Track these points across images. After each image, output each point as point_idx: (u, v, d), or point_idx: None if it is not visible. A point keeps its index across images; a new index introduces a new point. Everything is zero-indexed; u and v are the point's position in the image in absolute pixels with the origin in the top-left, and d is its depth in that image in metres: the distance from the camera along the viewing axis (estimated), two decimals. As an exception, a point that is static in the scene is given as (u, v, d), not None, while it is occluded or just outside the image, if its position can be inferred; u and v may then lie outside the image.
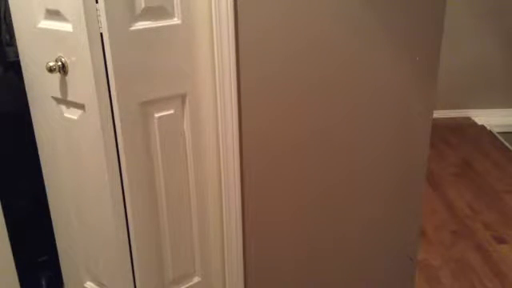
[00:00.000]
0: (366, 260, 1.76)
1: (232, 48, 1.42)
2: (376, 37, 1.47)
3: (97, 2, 1.28)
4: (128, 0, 1.31)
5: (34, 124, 1.62)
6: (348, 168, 1.62)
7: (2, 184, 1.70)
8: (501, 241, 2.35)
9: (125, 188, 1.48)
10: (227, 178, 1.57)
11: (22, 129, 1.66)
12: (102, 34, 1.32)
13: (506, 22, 3.54)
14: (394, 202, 1.69)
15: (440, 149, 3.33)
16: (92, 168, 1.49)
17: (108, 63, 1.34)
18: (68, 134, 1.51)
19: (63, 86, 1.44)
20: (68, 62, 1.39)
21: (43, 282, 1.86)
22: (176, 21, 1.41)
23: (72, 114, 1.47)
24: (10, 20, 1.52)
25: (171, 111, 1.50)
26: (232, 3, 1.38)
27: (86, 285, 1.74)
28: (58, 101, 1.49)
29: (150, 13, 1.36)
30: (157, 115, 1.47)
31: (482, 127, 3.65)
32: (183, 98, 1.50)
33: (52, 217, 1.73)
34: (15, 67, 1.60)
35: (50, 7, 1.36)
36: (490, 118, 3.71)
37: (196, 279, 1.75)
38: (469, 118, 3.77)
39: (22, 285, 1.63)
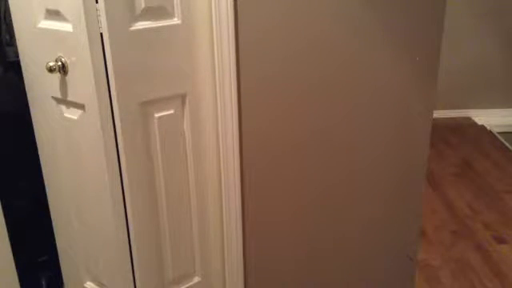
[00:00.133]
0: (365, 260, 1.76)
1: (232, 48, 1.42)
2: (376, 37, 1.47)
3: (97, 2, 1.28)
4: (128, 0, 1.31)
5: (33, 124, 1.62)
6: (348, 168, 1.62)
7: (2, 184, 1.70)
8: (501, 241, 2.35)
9: (125, 188, 1.48)
10: (227, 178, 1.57)
11: (21, 129, 1.66)
12: (101, 34, 1.32)
13: (506, 22, 3.54)
14: (393, 202, 1.69)
15: (440, 149, 3.33)
16: (92, 168, 1.49)
17: (108, 63, 1.34)
18: (68, 134, 1.51)
19: (63, 85, 1.44)
20: (68, 61, 1.39)
21: (43, 282, 1.86)
22: (176, 21, 1.41)
23: (72, 114, 1.47)
24: (10, 20, 1.52)
25: (171, 111, 1.50)
26: (232, 3, 1.38)
27: (85, 285, 1.74)
28: (58, 101, 1.49)
29: (150, 13, 1.36)
30: (157, 115, 1.47)
31: (482, 127, 3.65)
32: (183, 98, 1.50)
33: (52, 217, 1.73)
34: (15, 67, 1.60)
35: (50, 7, 1.36)
36: (490, 118, 3.71)
37: (196, 279, 1.75)
38: (469, 118, 3.77)
39: (22, 285, 1.63)
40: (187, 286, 1.74)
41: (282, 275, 1.74)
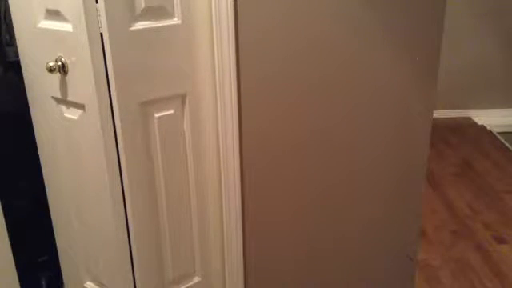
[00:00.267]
0: (365, 260, 1.76)
1: (232, 48, 1.42)
2: (376, 37, 1.47)
3: (97, 2, 1.28)
4: (128, 0, 1.31)
5: (33, 124, 1.62)
6: (348, 168, 1.62)
7: (2, 184, 1.70)
8: (501, 241, 2.35)
9: (125, 188, 1.48)
10: (227, 178, 1.57)
11: (22, 129, 1.66)
12: (101, 34, 1.32)
13: (506, 22, 3.55)
14: (393, 202, 1.69)
15: (440, 149, 3.33)
16: (92, 168, 1.49)
17: (108, 63, 1.34)
18: (68, 134, 1.51)
19: (63, 85, 1.44)
20: (68, 61, 1.39)
21: (43, 282, 1.86)
22: (176, 21, 1.41)
23: (72, 114, 1.47)
24: (10, 20, 1.52)
25: (171, 111, 1.50)
26: (232, 3, 1.38)
27: (85, 285, 1.74)
28: (58, 101, 1.49)
29: (150, 13, 1.36)
30: (157, 115, 1.47)
31: (482, 127, 3.65)
32: (183, 98, 1.50)
33: (52, 217, 1.73)
34: (15, 67, 1.60)
35: (50, 7, 1.36)
36: (490, 118, 3.71)
37: (196, 279, 1.75)
38: (469, 118, 3.77)
39: (22, 285, 1.63)
40: (187, 286, 1.74)
41: (282, 275, 1.74)
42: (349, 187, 1.64)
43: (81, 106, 1.43)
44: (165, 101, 1.47)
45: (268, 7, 1.40)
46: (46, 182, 1.68)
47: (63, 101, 1.47)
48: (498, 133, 3.54)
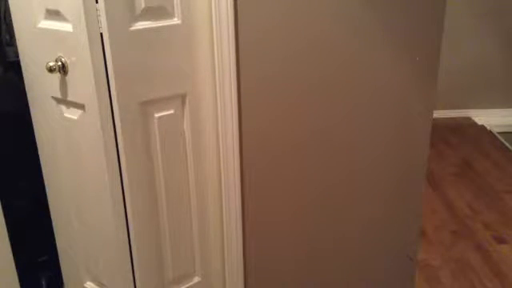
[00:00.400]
0: (365, 260, 1.76)
1: (232, 48, 1.42)
2: (376, 37, 1.47)
3: (97, 2, 1.28)
4: (128, 0, 1.31)
5: (33, 124, 1.62)
6: (348, 168, 1.62)
7: (2, 184, 1.70)
8: (501, 241, 2.35)
9: (125, 188, 1.48)
10: (227, 178, 1.57)
11: (22, 129, 1.66)
12: (101, 34, 1.32)
13: (506, 22, 3.54)
14: (394, 202, 1.69)
15: (440, 149, 3.33)
16: (92, 168, 1.49)
17: (108, 63, 1.34)
18: (68, 134, 1.51)
19: (63, 85, 1.44)
20: (68, 61, 1.39)
21: (43, 282, 1.86)
22: (176, 21, 1.41)
23: (72, 114, 1.47)
24: (10, 20, 1.52)
25: (171, 111, 1.50)
26: (232, 3, 1.38)
27: (85, 285, 1.74)
28: (58, 101, 1.49)
29: (150, 13, 1.36)
30: (157, 115, 1.47)
31: (482, 127, 3.65)
32: (183, 98, 1.50)
33: (52, 217, 1.73)
34: (15, 67, 1.60)
35: (50, 7, 1.36)
36: (490, 118, 3.71)
37: (196, 279, 1.75)
38: (469, 118, 3.77)
39: (22, 285, 1.63)
40: (187, 286, 1.74)
41: (282, 275, 1.74)
42: (349, 187, 1.64)
43: (81, 106, 1.43)
44: (165, 101, 1.47)
45: (268, 7, 1.40)
46: (46, 182, 1.68)
47: (63, 101, 1.47)
48: (498, 133, 3.54)
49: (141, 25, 1.36)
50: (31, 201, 1.78)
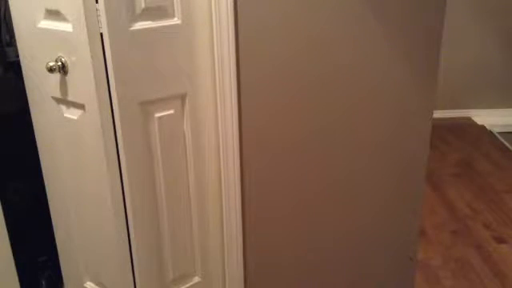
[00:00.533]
0: (365, 259, 1.76)
1: (232, 48, 1.42)
2: (376, 36, 1.47)
3: (97, 2, 1.28)
4: (128, 0, 1.31)
5: (33, 124, 1.62)
6: (348, 167, 1.62)
7: (2, 184, 1.70)
8: (501, 241, 2.35)
9: (125, 188, 1.48)
10: (227, 178, 1.57)
11: (22, 129, 1.66)
12: (101, 34, 1.32)
13: (506, 22, 3.55)
14: (394, 202, 1.69)
15: (440, 149, 3.33)
16: (92, 168, 1.49)
17: (108, 63, 1.34)
18: (68, 134, 1.51)
19: (63, 86, 1.44)
20: (68, 61, 1.39)
21: (43, 282, 1.86)
22: (176, 21, 1.41)
23: (72, 114, 1.47)
24: (10, 20, 1.52)
25: (171, 111, 1.50)
26: (232, 3, 1.38)
27: (85, 285, 1.74)
28: (58, 101, 1.49)
29: (149, 13, 1.36)
30: (157, 115, 1.47)
31: (482, 127, 3.65)
32: (183, 98, 1.50)
33: (52, 217, 1.73)
34: (15, 67, 1.60)
35: (50, 7, 1.36)
36: (490, 118, 3.71)
37: (196, 279, 1.75)
38: (469, 118, 3.77)
39: (21, 285, 1.63)
40: (187, 286, 1.74)
41: (282, 277, 1.74)
42: (348, 187, 1.64)
43: (81, 106, 1.43)
44: (165, 101, 1.47)
45: (268, 7, 1.40)
46: (45, 182, 1.68)
47: (63, 101, 1.47)
48: (498, 133, 3.54)
49: (141, 25, 1.36)
50: (31, 201, 1.78)
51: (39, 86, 1.51)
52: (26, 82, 1.56)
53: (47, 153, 1.62)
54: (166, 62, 1.42)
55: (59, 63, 1.39)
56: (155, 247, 1.61)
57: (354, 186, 1.64)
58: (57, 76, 1.43)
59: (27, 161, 1.69)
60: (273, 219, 1.65)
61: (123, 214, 1.52)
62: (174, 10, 1.40)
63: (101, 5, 1.28)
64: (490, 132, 3.58)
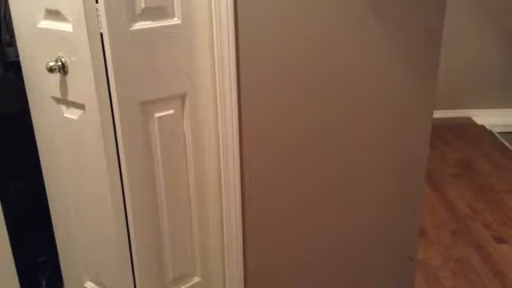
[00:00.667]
0: (365, 259, 1.76)
1: (232, 48, 1.42)
2: (376, 36, 1.47)
3: (97, 2, 1.28)
4: (128, 0, 1.31)
5: (33, 124, 1.62)
6: (348, 167, 1.62)
7: (3, 184, 1.70)
8: (501, 241, 2.35)
9: (125, 188, 1.48)
10: (227, 178, 1.57)
11: (22, 129, 1.66)
12: (101, 34, 1.32)
13: (506, 21, 3.55)
14: (394, 202, 1.69)
15: (440, 149, 3.33)
16: (92, 168, 1.49)
17: (108, 63, 1.34)
18: (68, 134, 1.51)
19: (63, 86, 1.44)
20: (68, 61, 1.39)
21: (43, 282, 1.86)
22: (176, 21, 1.41)
23: (72, 114, 1.47)
24: (10, 20, 1.52)
25: (171, 111, 1.50)
26: (232, 3, 1.38)
27: (85, 285, 1.74)
28: (58, 101, 1.49)
29: (149, 13, 1.36)
30: (157, 115, 1.47)
31: (482, 127, 3.65)
32: (183, 98, 1.50)
33: (52, 217, 1.73)
34: (15, 67, 1.60)
35: (50, 7, 1.36)
36: (490, 118, 3.71)
37: (196, 279, 1.75)
38: (469, 118, 3.77)
39: (21, 285, 1.63)
40: (187, 286, 1.74)
41: (282, 277, 1.74)
42: (348, 186, 1.64)
43: (81, 106, 1.43)
44: (165, 101, 1.47)
45: (268, 7, 1.40)
46: (45, 182, 1.68)
47: (63, 101, 1.47)
48: (498, 133, 3.54)
49: (141, 25, 1.36)
50: (31, 201, 1.78)
51: (39, 86, 1.51)
52: (26, 82, 1.56)
53: (47, 153, 1.62)
54: (166, 62, 1.42)
55: (59, 63, 1.39)
56: (155, 247, 1.61)
57: (353, 186, 1.64)
58: (57, 76, 1.43)
59: (27, 161, 1.69)
60: (273, 219, 1.65)
61: (123, 214, 1.52)
62: (174, 10, 1.40)
63: (101, 5, 1.28)
64: (490, 132, 3.58)
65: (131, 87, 1.39)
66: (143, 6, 1.34)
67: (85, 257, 1.69)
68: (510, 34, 3.58)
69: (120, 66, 1.35)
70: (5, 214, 1.51)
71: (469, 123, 3.72)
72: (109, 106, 1.39)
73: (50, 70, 1.37)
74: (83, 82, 1.37)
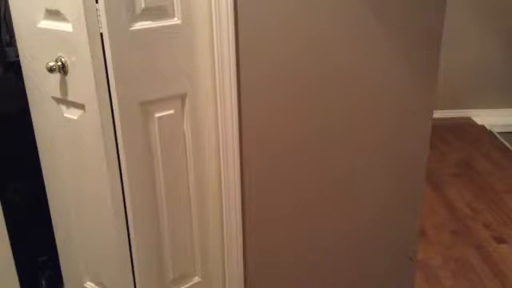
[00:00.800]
0: (365, 259, 1.76)
1: (232, 48, 1.42)
2: (376, 36, 1.47)
3: (97, 2, 1.28)
4: (128, 0, 1.31)
5: (33, 124, 1.62)
6: (348, 167, 1.62)
7: (2, 184, 1.70)
8: (501, 241, 2.35)
9: (125, 188, 1.48)
10: (227, 178, 1.57)
11: (22, 129, 1.66)
12: (101, 34, 1.32)
13: (506, 21, 3.55)
14: (394, 202, 1.69)
15: (440, 149, 3.33)
16: (92, 168, 1.49)
17: (108, 63, 1.34)
18: (68, 134, 1.51)
19: (63, 86, 1.44)
20: (68, 61, 1.39)
21: (43, 282, 1.86)
22: (176, 21, 1.41)
23: (72, 114, 1.47)
24: (10, 20, 1.52)
25: (171, 111, 1.50)
26: (232, 3, 1.38)
27: (85, 285, 1.74)
28: (58, 101, 1.49)
29: (149, 13, 1.36)
30: (157, 115, 1.47)
31: (482, 127, 3.65)
32: (183, 98, 1.51)
33: (52, 217, 1.73)
34: (15, 67, 1.60)
35: (50, 7, 1.36)
36: (490, 118, 3.71)
37: (196, 279, 1.75)
38: (469, 118, 3.77)
39: (21, 285, 1.63)
40: (187, 286, 1.74)
41: (282, 277, 1.74)
42: (348, 186, 1.64)
43: (81, 106, 1.43)
44: (165, 101, 1.47)
45: (268, 7, 1.40)
46: (45, 182, 1.68)
47: (63, 101, 1.47)
48: (498, 133, 3.54)
49: (141, 25, 1.36)
50: (31, 201, 1.78)
51: (39, 86, 1.51)
52: (26, 82, 1.56)
53: (47, 153, 1.62)
54: (166, 62, 1.42)
55: (59, 63, 1.39)
56: (155, 247, 1.61)
57: (353, 186, 1.64)
58: (57, 76, 1.43)
59: (27, 161, 1.69)
60: (273, 219, 1.65)
61: (123, 214, 1.52)
62: (174, 10, 1.40)
63: (101, 5, 1.28)
64: (490, 132, 3.58)
65: (131, 87, 1.39)
66: (143, 6, 1.34)
67: (85, 257, 1.69)
68: (510, 34, 3.58)
69: (120, 66, 1.35)
70: (5, 214, 1.51)
71: (469, 123, 3.72)
72: (109, 106, 1.39)
73: (50, 70, 1.37)
74: (83, 82, 1.37)
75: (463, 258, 2.23)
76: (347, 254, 1.74)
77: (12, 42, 1.59)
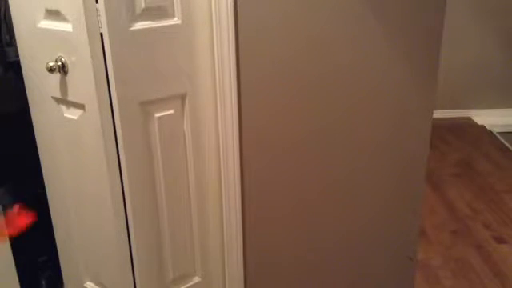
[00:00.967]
0: (365, 259, 1.76)
1: (232, 48, 1.42)
2: (376, 36, 1.47)
3: (97, 2, 1.28)
4: (128, 0, 1.31)
5: (33, 124, 1.62)
6: (347, 167, 1.62)
7: (2, 184, 1.70)
8: (501, 241, 2.35)
9: (125, 188, 1.48)
10: (227, 178, 1.57)
11: (22, 129, 1.66)
12: (101, 34, 1.32)
13: (506, 21, 3.55)
14: (394, 202, 1.69)
15: (440, 149, 3.33)
16: (92, 168, 1.49)
17: (108, 63, 1.34)
18: (68, 134, 1.51)
19: (63, 86, 1.44)
20: (68, 61, 1.39)
21: (43, 282, 1.86)
22: (176, 21, 1.41)
23: (72, 114, 1.47)
24: (10, 20, 1.52)
25: (171, 111, 1.50)
26: (232, 3, 1.38)
27: (85, 285, 1.74)
28: (58, 101, 1.49)
29: (149, 13, 1.36)
30: (157, 115, 1.47)
31: (482, 127, 3.66)
32: (183, 98, 1.51)
33: (52, 217, 1.73)
34: (15, 67, 1.60)
35: (50, 7, 1.36)
36: (490, 118, 3.71)
37: (196, 279, 1.75)
38: (469, 118, 3.77)
39: (21, 285, 1.63)
40: (187, 286, 1.74)
41: (282, 277, 1.74)
42: (348, 186, 1.64)
43: (81, 106, 1.43)
44: (165, 101, 1.47)
45: (268, 7, 1.40)
46: (45, 182, 1.68)
47: (63, 101, 1.47)
48: (498, 133, 3.54)
49: (141, 25, 1.36)
50: (31, 201, 1.78)
51: (39, 86, 1.51)
52: (26, 82, 1.56)
53: (47, 153, 1.62)
54: (166, 62, 1.42)
55: (59, 63, 1.39)
56: (155, 247, 1.61)
57: (353, 186, 1.64)
58: (57, 76, 1.43)
59: (27, 161, 1.69)
60: (273, 219, 1.65)
61: (123, 214, 1.52)
62: (174, 10, 1.40)
63: (101, 5, 1.28)
64: (490, 132, 3.58)
65: (131, 87, 1.39)
66: (143, 6, 1.34)
67: (85, 257, 1.69)
68: (510, 34, 3.58)
69: (120, 65, 1.35)
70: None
71: (469, 123, 3.72)
72: (109, 105, 1.39)
73: (50, 69, 1.37)
74: (83, 82, 1.37)
75: (463, 258, 2.23)
76: (347, 254, 1.74)
77: (12, 41, 1.59)
